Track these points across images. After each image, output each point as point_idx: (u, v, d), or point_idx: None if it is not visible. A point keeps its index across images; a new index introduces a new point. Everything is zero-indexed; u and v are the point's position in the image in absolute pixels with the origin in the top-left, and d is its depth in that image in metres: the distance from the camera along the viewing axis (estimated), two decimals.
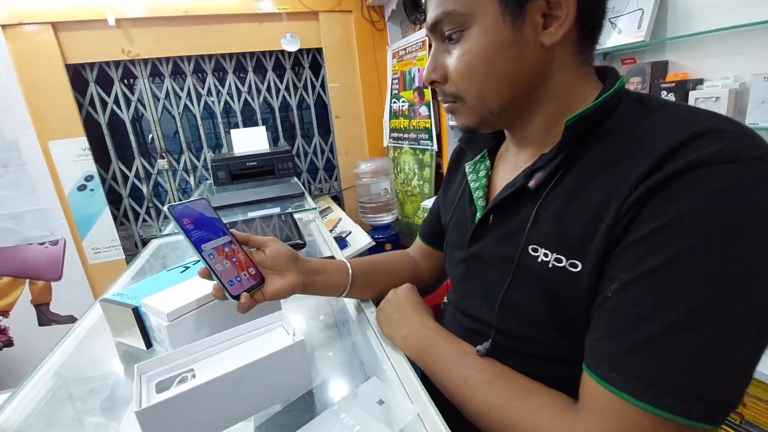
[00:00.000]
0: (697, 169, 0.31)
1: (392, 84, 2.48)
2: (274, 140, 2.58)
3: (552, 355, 0.42)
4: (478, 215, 0.49)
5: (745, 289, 0.30)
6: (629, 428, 0.31)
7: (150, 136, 2.35)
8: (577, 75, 0.42)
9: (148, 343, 0.61)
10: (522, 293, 0.42)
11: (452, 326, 0.56)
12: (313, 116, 2.60)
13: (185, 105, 2.37)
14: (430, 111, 2.17)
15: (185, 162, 2.43)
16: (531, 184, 0.42)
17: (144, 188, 2.38)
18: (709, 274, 0.30)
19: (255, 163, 2.11)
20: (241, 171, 2.10)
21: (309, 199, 1.58)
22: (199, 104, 2.38)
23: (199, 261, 0.56)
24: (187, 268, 0.73)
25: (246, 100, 2.47)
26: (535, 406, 0.38)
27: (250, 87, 2.45)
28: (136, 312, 0.59)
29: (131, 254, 2.44)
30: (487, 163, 0.54)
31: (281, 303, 0.68)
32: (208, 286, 0.58)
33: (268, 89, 2.49)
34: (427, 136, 2.23)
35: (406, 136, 2.40)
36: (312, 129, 2.64)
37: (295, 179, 2.11)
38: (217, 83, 2.39)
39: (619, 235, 0.34)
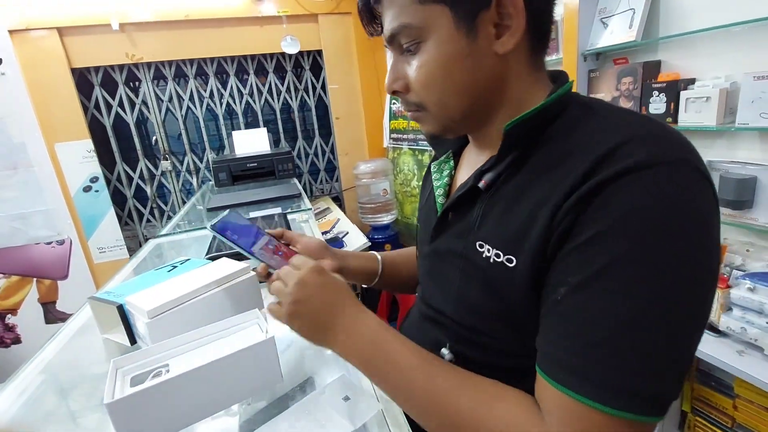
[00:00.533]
0: (624, 176, 0.33)
1: None
2: (275, 142, 2.60)
3: (503, 347, 0.44)
4: (438, 213, 0.51)
5: (678, 287, 0.32)
6: (591, 430, 0.32)
7: (154, 138, 2.39)
8: (530, 80, 0.44)
9: (133, 340, 0.63)
10: (471, 287, 0.44)
11: (416, 316, 0.58)
12: (314, 117, 2.63)
13: (188, 107, 2.41)
14: None
15: (188, 163, 2.47)
16: (481, 184, 0.44)
17: (148, 189, 2.42)
18: (645, 277, 0.32)
19: (255, 164, 2.13)
20: (242, 172, 2.12)
21: (306, 200, 1.60)
22: (201, 106, 2.42)
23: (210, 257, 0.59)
24: (174, 267, 0.75)
25: (248, 102, 2.50)
26: (500, 413, 0.37)
27: (251, 89, 2.48)
28: (121, 310, 0.61)
29: (134, 254, 2.49)
30: (451, 163, 0.55)
31: (264, 303, 0.69)
32: (189, 285, 0.60)
33: (270, 91, 2.52)
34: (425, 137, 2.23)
35: (405, 136, 2.41)
36: (313, 130, 2.66)
37: (295, 180, 2.13)
38: (219, 86, 2.43)
39: (559, 238, 0.35)
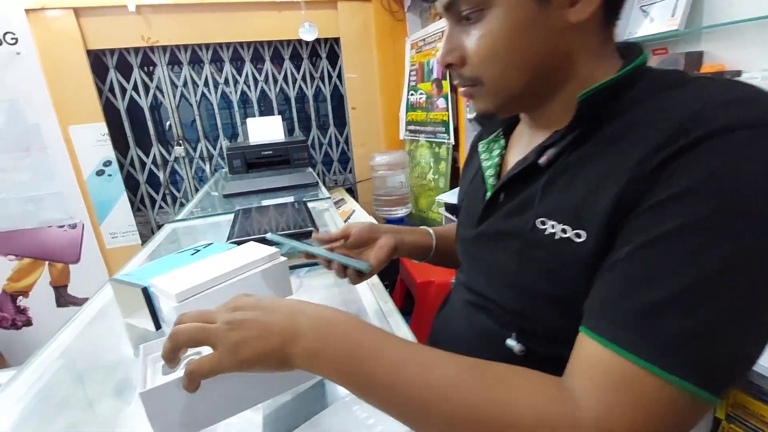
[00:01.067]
0: (721, 135, 0.30)
1: (410, 75, 2.44)
2: (289, 130, 2.57)
3: (548, 334, 0.41)
4: (489, 194, 0.48)
5: (762, 258, 0.28)
6: (642, 397, 0.28)
7: (168, 123, 2.37)
8: (599, 53, 0.40)
9: (157, 325, 0.59)
10: (529, 271, 0.41)
11: (458, 303, 0.55)
12: (329, 107, 2.59)
13: (203, 93, 2.37)
14: (447, 104, 2.13)
15: (202, 150, 2.45)
16: (542, 160, 0.41)
17: (161, 175, 2.40)
18: (727, 241, 0.28)
19: (270, 152, 2.10)
20: (257, 160, 2.09)
21: (323, 188, 1.56)
22: (216, 93, 2.38)
23: (209, 246, 0.57)
24: (198, 251, 0.71)
25: (263, 89, 2.46)
26: (521, 395, 0.31)
27: (267, 76, 2.44)
28: (146, 292, 0.58)
29: (147, 240, 2.47)
30: (502, 142, 0.52)
31: (293, 291, 0.66)
32: (219, 268, 0.57)
33: (285, 79, 2.48)
34: (443, 129, 2.19)
35: (422, 129, 2.36)
36: (327, 120, 2.62)
37: (310, 169, 2.09)
38: (235, 72, 2.39)
39: (634, 202, 0.32)
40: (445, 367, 0.33)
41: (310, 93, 2.53)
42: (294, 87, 2.50)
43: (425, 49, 2.26)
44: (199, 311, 0.38)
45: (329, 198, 1.40)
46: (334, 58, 2.52)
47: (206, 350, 0.35)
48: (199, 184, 2.51)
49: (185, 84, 2.33)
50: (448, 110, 2.13)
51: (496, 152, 0.51)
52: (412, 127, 2.48)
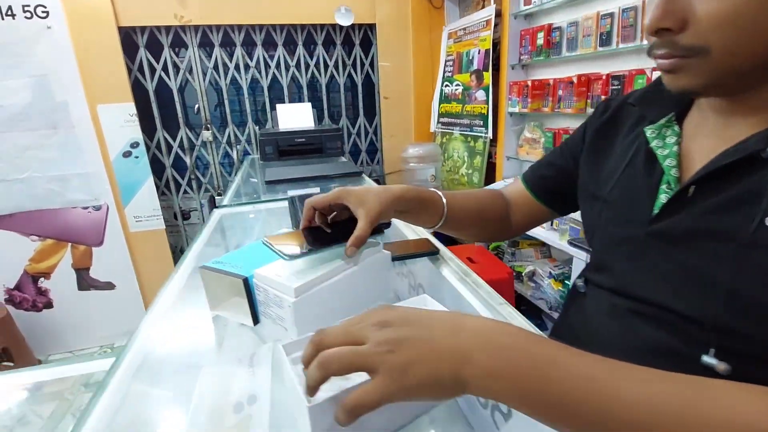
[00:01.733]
0: None
1: (446, 66, 2.37)
2: (318, 119, 2.51)
3: (756, 351, 0.35)
4: (673, 187, 0.42)
5: None
6: None
7: (196, 106, 2.31)
8: None
9: (256, 319, 0.54)
10: (752, 279, 0.35)
11: (598, 311, 0.49)
12: (360, 96, 2.52)
13: (233, 76, 2.31)
14: (488, 96, 2.06)
15: (229, 135, 2.39)
16: None
17: (187, 159, 2.34)
18: None
19: (303, 139, 2.04)
20: (289, 147, 2.03)
21: (367, 179, 1.51)
22: (246, 76, 2.32)
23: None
24: None
25: (294, 75, 2.40)
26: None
27: (298, 62, 2.37)
28: (246, 284, 0.53)
29: (170, 225, 2.43)
30: (676, 128, 0.46)
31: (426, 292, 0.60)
32: (324, 261, 0.51)
33: (317, 65, 2.41)
34: (482, 123, 2.12)
35: (457, 121, 2.30)
36: (357, 109, 2.56)
37: (344, 158, 2.04)
38: (266, 56, 2.32)
39: None
40: (671, 385, 0.27)
41: (341, 80, 2.46)
42: (326, 73, 2.43)
43: (465, 39, 2.19)
44: (343, 329, 0.32)
45: None
46: (367, 45, 2.44)
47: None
48: (224, 169, 2.46)
49: (215, 66, 2.26)
50: (487, 103, 2.06)
51: (672, 140, 0.45)
52: (445, 119, 2.41)
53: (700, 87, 0.38)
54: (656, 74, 1.25)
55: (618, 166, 0.50)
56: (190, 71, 2.23)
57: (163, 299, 0.65)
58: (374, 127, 2.59)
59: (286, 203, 1.19)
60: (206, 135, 2.32)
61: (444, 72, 2.38)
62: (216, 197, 2.47)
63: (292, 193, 1.33)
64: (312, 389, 0.30)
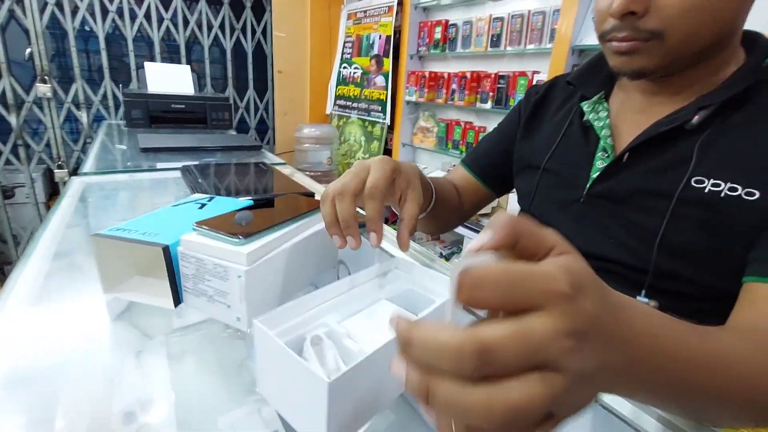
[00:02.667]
0: None
1: (344, 47, 2.32)
2: (200, 86, 2.19)
3: (703, 293, 0.42)
4: (609, 154, 0.48)
5: None
6: None
7: (27, 50, 1.78)
8: (741, 28, 0.43)
9: (177, 299, 0.43)
10: (681, 228, 0.42)
11: None
12: (250, 66, 2.29)
13: (83, 19, 1.85)
14: (387, 82, 2.09)
15: (76, 93, 1.92)
16: (695, 120, 0.42)
17: (12, 119, 1.80)
18: None
19: (183, 106, 1.76)
20: (163, 113, 1.72)
21: (268, 153, 1.37)
22: (104, 22, 1.89)
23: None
24: (203, 206, 0.54)
25: (168, 29, 2.04)
26: None
27: (174, 14, 2.03)
28: (167, 253, 0.41)
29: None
30: (606, 105, 0.52)
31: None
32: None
33: (199, 24, 2.10)
34: (380, 108, 2.14)
35: (355, 105, 2.27)
36: (246, 81, 2.32)
37: (233, 132, 1.82)
38: (132, 1, 1.93)
39: None
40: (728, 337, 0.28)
41: (228, 45, 2.19)
42: (209, 35, 2.14)
43: (366, 21, 2.17)
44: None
45: (284, 164, 1.23)
46: (260, 11, 2.23)
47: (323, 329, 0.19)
48: (69, 136, 1.97)
49: (58, 2, 1.78)
50: (386, 89, 2.09)
51: (604, 114, 0.51)
52: (342, 102, 2.37)
53: (652, 68, 0.42)
54: (538, 77, 1.41)
55: (552, 138, 0.56)
56: (21, 4, 1.71)
57: (14, 296, 0.47)
58: (265, 102, 2.39)
59: (169, 174, 1.00)
60: (43, 90, 1.82)
61: (342, 53, 2.33)
62: (56, 170, 1.97)
63: (169, 165, 1.12)
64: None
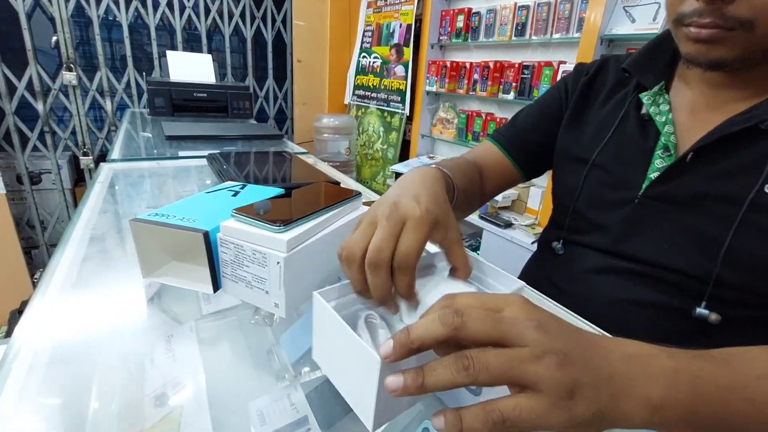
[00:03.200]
0: None
1: (363, 36, 2.30)
2: (220, 75, 2.21)
3: (745, 300, 0.40)
4: (672, 152, 0.44)
5: None
6: None
7: (54, 38, 1.81)
8: None
9: (216, 285, 0.43)
10: (750, 238, 0.39)
11: (582, 270, 0.50)
12: (270, 56, 2.29)
13: (108, 7, 1.87)
14: (407, 72, 2.06)
15: (100, 81, 1.94)
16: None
17: (39, 106, 1.84)
18: None
19: (205, 95, 1.77)
20: (186, 102, 1.74)
21: (289, 142, 1.37)
22: (127, 11, 1.90)
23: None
24: (237, 193, 0.54)
25: (190, 19, 2.05)
26: None
27: (196, 3, 2.04)
28: (207, 239, 0.41)
29: (13, 191, 1.90)
30: (666, 97, 0.48)
31: None
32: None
33: (220, 12, 2.10)
34: (399, 99, 2.12)
35: (374, 95, 2.26)
36: (266, 70, 2.32)
37: (253, 122, 1.83)
38: None
39: None
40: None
41: (248, 34, 2.19)
42: (230, 23, 2.14)
43: (386, 10, 2.14)
44: (489, 315, 0.22)
45: (306, 153, 1.23)
46: (280, 0, 2.22)
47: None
48: (93, 124, 2.01)
49: None
50: (406, 79, 2.07)
51: (666, 108, 0.47)
52: (360, 92, 2.35)
53: (732, 60, 0.39)
54: (564, 67, 1.37)
55: (603, 130, 0.51)
56: None
57: (55, 280, 0.48)
58: (284, 92, 2.39)
59: (193, 162, 1.01)
60: (68, 77, 1.85)
61: (362, 42, 2.31)
62: (81, 157, 2.01)
63: (194, 153, 1.13)
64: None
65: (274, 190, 0.56)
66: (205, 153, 1.00)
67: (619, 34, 1.30)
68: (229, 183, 0.59)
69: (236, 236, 0.40)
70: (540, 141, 0.60)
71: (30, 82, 1.80)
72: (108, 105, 1.99)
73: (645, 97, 0.48)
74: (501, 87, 1.75)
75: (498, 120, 1.79)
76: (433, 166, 0.47)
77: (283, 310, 0.39)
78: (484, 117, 1.83)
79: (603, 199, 0.50)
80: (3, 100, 1.77)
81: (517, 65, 1.67)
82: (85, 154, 2.00)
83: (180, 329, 0.45)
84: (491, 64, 1.75)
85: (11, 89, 1.78)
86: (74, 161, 2.08)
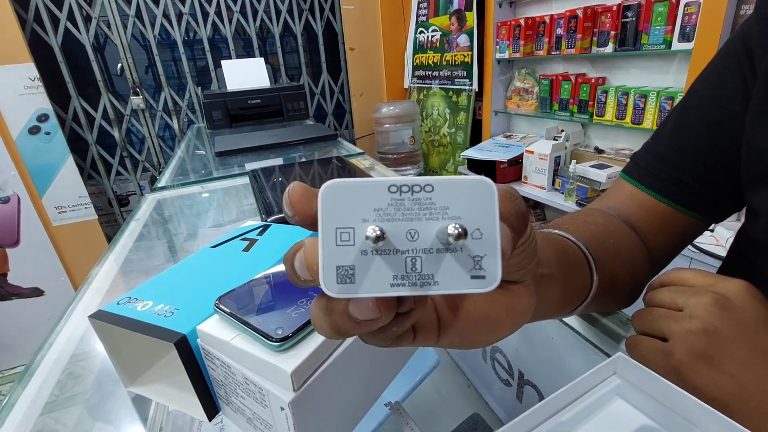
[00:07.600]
0: None
1: (419, 8, 2.06)
2: (274, 77, 2.14)
3: None
4: None
5: None
6: None
7: (119, 65, 1.87)
8: None
9: (213, 409, 0.28)
10: None
11: None
12: (321, 49, 2.16)
13: (162, 27, 1.88)
14: (471, 41, 1.79)
15: (165, 100, 1.98)
16: None
17: (116, 133, 1.93)
18: None
19: (258, 100, 1.70)
20: (241, 111, 1.69)
21: (345, 142, 1.23)
22: (179, 26, 1.90)
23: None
24: (251, 243, 0.39)
25: (240, 24, 1.99)
26: None
27: (243, 6, 1.97)
28: (184, 346, 0.26)
29: (105, 214, 2.04)
30: None
31: None
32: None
33: (267, 11, 2.02)
34: (465, 73, 1.86)
35: (435, 74, 2.02)
36: (319, 65, 2.20)
37: (310, 121, 1.72)
38: (203, 0, 1.90)
39: None
40: None
41: (298, 29, 2.08)
42: (278, 22, 2.04)
43: None
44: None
45: (362, 153, 1.07)
46: None
47: None
48: (165, 143, 2.07)
49: (138, 13, 1.82)
50: (471, 49, 1.80)
51: None
52: (420, 72, 2.13)
53: None
54: (685, 1, 1.00)
55: None
56: (107, 22, 1.78)
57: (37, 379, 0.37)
58: (340, 85, 2.26)
59: (242, 180, 0.91)
60: (136, 102, 1.91)
61: (417, 16, 2.07)
62: (158, 176, 2.09)
63: (251, 166, 1.04)
64: None
65: (303, 232, 0.40)
66: (253, 167, 0.89)
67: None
68: (249, 224, 0.44)
69: (219, 348, 0.24)
70: (710, 160, 0.35)
71: (105, 110, 1.88)
72: (175, 123, 2.03)
73: None
74: (595, 39, 1.41)
75: (593, 81, 1.45)
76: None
77: None
78: (573, 80, 1.51)
79: None
80: (85, 131, 1.88)
81: (615, 7, 1.33)
82: (161, 173, 2.08)
83: None
84: (579, 12, 1.41)
85: (90, 120, 1.88)
86: (154, 181, 2.18)
